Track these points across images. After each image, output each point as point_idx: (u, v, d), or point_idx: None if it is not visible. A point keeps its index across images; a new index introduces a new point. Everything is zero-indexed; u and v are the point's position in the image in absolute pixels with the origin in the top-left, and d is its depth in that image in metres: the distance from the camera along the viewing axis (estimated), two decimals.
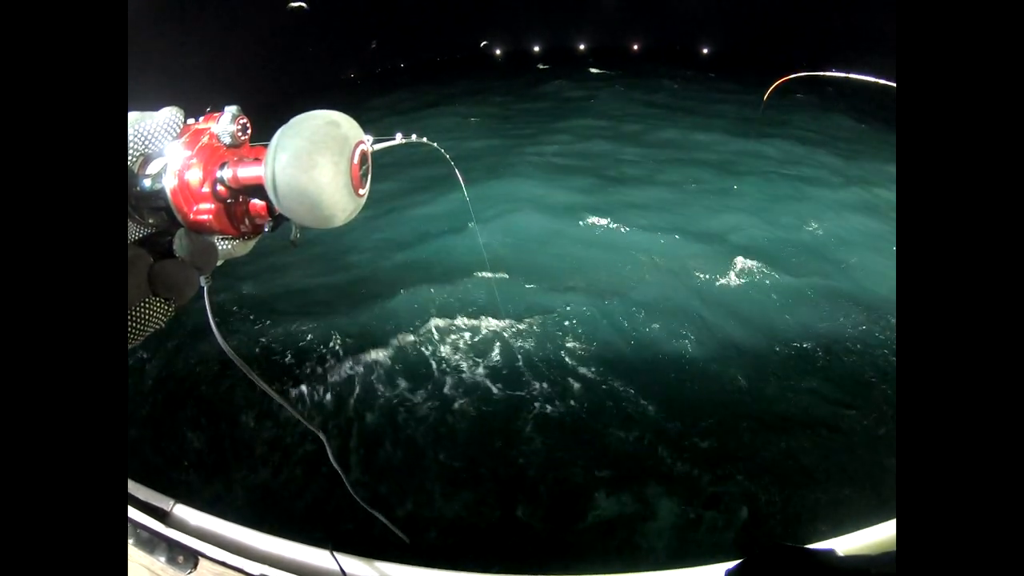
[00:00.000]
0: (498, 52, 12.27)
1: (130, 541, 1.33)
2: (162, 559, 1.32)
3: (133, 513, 1.41)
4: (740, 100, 8.46)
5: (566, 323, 4.12)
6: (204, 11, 8.83)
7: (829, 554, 0.85)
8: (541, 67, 11.47)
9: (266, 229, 0.62)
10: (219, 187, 0.56)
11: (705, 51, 12.08)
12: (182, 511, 1.45)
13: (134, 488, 1.50)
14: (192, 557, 1.33)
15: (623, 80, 10.08)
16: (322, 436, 1.03)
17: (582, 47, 12.27)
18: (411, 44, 11.77)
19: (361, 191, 0.57)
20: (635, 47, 12.28)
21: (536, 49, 12.41)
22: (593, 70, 10.95)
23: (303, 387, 3.64)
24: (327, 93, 10.48)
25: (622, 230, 5.27)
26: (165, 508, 1.45)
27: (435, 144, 0.82)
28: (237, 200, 0.59)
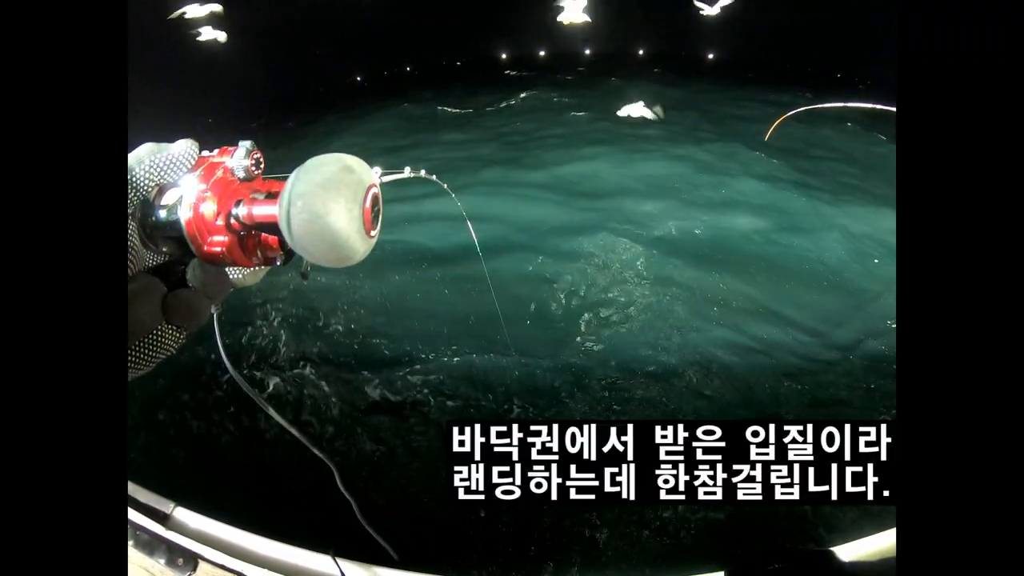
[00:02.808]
0: (503, 56, 12.36)
1: (129, 543, 1.34)
2: (161, 561, 1.32)
3: (133, 515, 1.41)
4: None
5: (575, 342, 4.12)
6: (203, 16, 8.84)
7: (828, 555, 0.85)
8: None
9: (278, 263, 0.63)
10: (233, 221, 0.58)
11: (711, 56, 12.13)
12: (182, 514, 1.45)
13: (135, 491, 1.50)
14: (191, 560, 1.33)
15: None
16: (330, 463, 1.03)
17: (587, 52, 12.35)
18: (416, 47, 11.82)
19: (373, 233, 0.58)
20: (640, 52, 12.36)
21: (541, 53, 12.51)
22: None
23: (309, 412, 3.61)
24: (332, 98, 10.44)
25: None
26: (165, 511, 1.45)
27: (444, 184, 0.83)
28: (250, 233, 0.60)
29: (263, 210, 0.57)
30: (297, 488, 2.97)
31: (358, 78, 11.65)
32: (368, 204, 0.56)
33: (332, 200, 0.53)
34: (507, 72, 11.52)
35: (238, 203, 0.58)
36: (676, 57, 11.55)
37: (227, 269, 0.64)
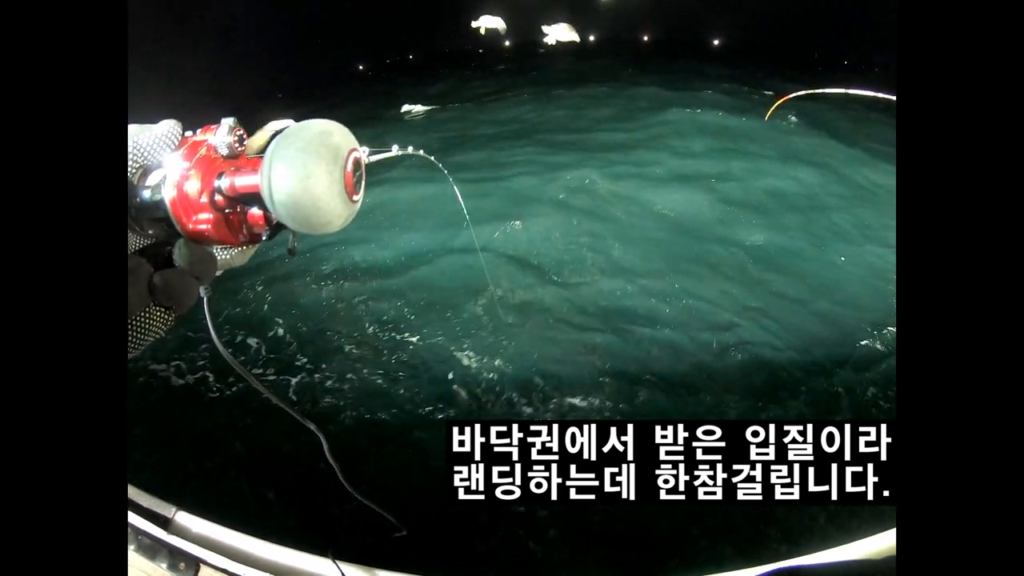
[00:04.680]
0: (507, 43, 12.30)
1: (131, 547, 1.34)
2: (163, 565, 1.32)
3: (135, 520, 1.41)
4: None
5: (566, 324, 4.12)
6: (205, 3, 8.71)
7: (827, 568, 0.85)
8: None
9: (264, 238, 0.63)
10: (217, 197, 0.58)
11: (716, 43, 12.06)
12: (184, 518, 1.45)
13: (136, 495, 1.50)
14: (193, 564, 1.33)
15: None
16: (319, 433, 1.04)
17: (592, 38, 12.26)
18: (420, 34, 11.71)
19: (355, 197, 0.58)
20: (644, 38, 12.26)
21: (545, 40, 12.48)
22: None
23: (302, 390, 3.64)
24: (335, 86, 10.29)
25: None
26: (167, 515, 1.45)
27: (432, 157, 0.83)
28: (235, 210, 0.60)
29: (245, 180, 0.57)
30: (298, 492, 2.98)
31: (360, 67, 11.55)
32: (350, 168, 0.56)
33: (312, 164, 0.53)
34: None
35: (220, 175, 0.58)
36: (681, 42, 11.48)
37: (214, 250, 0.64)
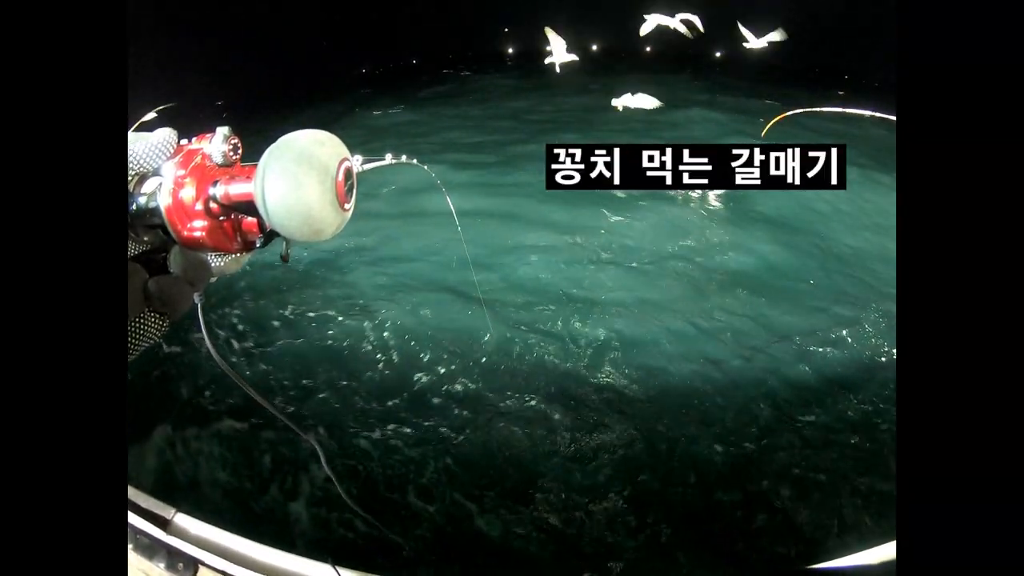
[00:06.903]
0: (511, 51, 12.33)
1: (130, 547, 1.34)
2: (161, 565, 1.32)
3: (134, 520, 1.41)
4: None
5: (559, 342, 4.09)
6: (208, 5, 8.68)
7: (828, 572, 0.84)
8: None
9: (257, 245, 0.64)
10: (211, 204, 0.59)
11: (718, 54, 12.08)
12: (182, 520, 1.45)
13: (135, 496, 1.50)
14: (191, 564, 1.33)
15: None
16: (315, 444, 1.04)
17: (594, 48, 12.27)
18: (423, 40, 11.72)
19: (347, 206, 0.59)
20: (647, 48, 12.25)
21: (548, 48, 12.51)
22: None
23: (298, 401, 3.60)
24: (338, 90, 10.22)
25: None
26: (166, 516, 1.45)
27: (424, 166, 0.84)
28: (229, 217, 0.61)
29: (239, 188, 0.58)
30: (297, 495, 2.96)
31: (363, 70, 11.53)
32: (341, 177, 0.57)
33: (304, 174, 0.55)
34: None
35: (215, 183, 0.59)
36: (684, 56, 11.48)
37: (208, 255, 0.65)
